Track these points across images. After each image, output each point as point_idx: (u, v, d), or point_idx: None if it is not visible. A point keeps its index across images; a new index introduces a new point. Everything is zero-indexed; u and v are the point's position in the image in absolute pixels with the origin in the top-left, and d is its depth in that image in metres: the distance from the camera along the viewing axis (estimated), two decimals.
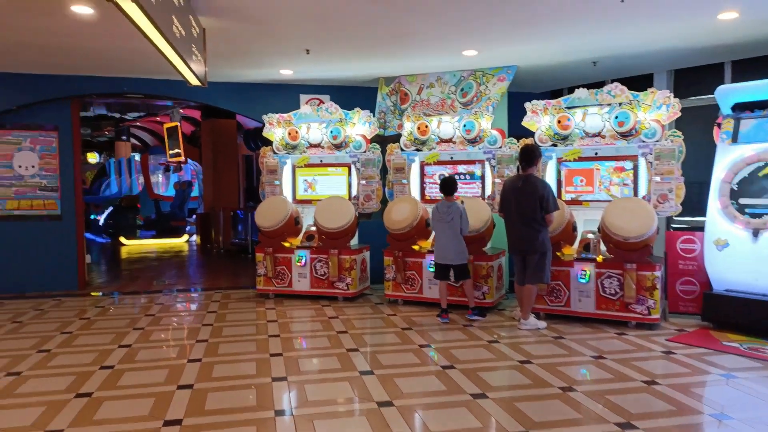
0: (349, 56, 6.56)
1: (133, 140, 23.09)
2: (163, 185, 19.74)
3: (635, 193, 5.74)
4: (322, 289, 6.88)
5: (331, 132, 7.23)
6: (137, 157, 19.50)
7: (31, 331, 5.50)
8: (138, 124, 19.93)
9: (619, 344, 4.88)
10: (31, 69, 7.05)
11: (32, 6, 4.52)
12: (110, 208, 15.07)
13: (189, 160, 15.26)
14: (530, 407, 3.48)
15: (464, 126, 6.64)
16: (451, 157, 6.81)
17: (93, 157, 22.99)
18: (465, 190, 6.65)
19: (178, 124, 14.64)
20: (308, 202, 7.44)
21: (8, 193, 7.44)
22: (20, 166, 7.48)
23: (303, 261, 6.92)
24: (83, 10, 4.61)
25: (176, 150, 15.10)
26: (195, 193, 16.49)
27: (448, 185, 5.83)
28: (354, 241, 7.12)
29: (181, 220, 15.14)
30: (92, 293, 7.52)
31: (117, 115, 18.24)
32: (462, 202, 5.82)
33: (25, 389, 3.91)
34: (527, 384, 3.90)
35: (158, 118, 18.71)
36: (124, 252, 12.63)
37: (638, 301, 5.35)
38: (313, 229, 7.16)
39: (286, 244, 7.02)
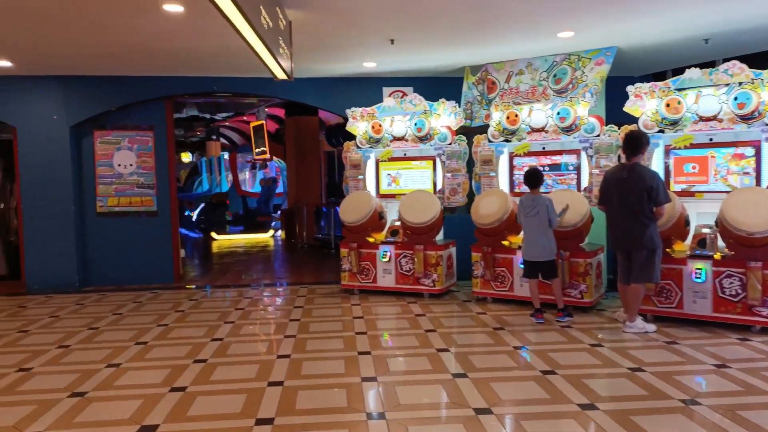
0: (434, 45, 6.32)
1: (222, 140, 24.10)
2: (249, 182, 20.44)
3: (758, 183, 5.10)
4: (407, 286, 6.72)
5: (416, 124, 7.03)
6: (226, 155, 20.29)
7: (129, 323, 5.72)
8: (227, 124, 20.72)
9: (743, 351, 4.35)
10: (129, 71, 7.37)
11: (127, 4, 4.64)
12: (202, 205, 15.71)
13: (274, 158, 15.62)
14: (649, 422, 3.11)
15: (558, 114, 6.22)
16: (543, 148, 6.41)
17: (186, 157, 24.14)
18: (557, 183, 6.24)
19: (264, 122, 15.02)
20: (392, 196, 7.29)
21: (109, 191, 7.84)
22: (119, 165, 7.86)
23: (388, 256, 6.78)
24: (174, 9, 4.69)
25: (262, 148, 15.50)
26: (280, 189, 16.87)
27: (533, 177, 5.48)
28: (439, 237, 6.89)
29: (267, 216, 15.54)
30: (186, 286, 7.78)
31: (208, 116, 19.03)
32: (567, 207, 5.52)
33: (123, 381, 4.01)
34: (642, 395, 3.52)
35: (245, 118, 19.35)
36: (215, 246, 13.10)
37: (764, 304, 4.75)
38: (398, 224, 7.01)
39: (371, 240, 6.91)
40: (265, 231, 15.26)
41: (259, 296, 7.02)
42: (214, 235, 14.59)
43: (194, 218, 16.20)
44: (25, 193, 7.53)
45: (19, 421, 3.30)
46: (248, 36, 3.61)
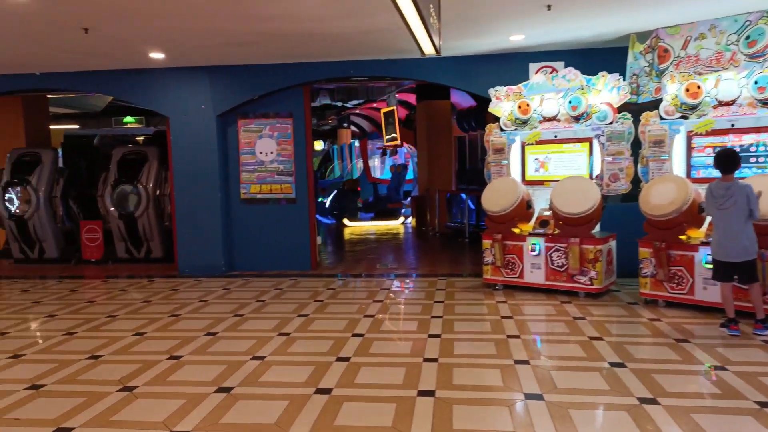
0: (596, 9, 5.51)
1: (352, 127, 24.49)
2: (379, 169, 20.50)
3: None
4: (559, 283, 6.03)
5: (570, 102, 6.25)
6: (357, 143, 20.52)
7: (272, 312, 5.69)
8: (357, 111, 20.93)
9: None
10: (270, 59, 7.39)
11: None
12: (335, 192, 15.94)
13: (404, 144, 15.37)
14: None
15: (755, 83, 5.14)
16: (732, 125, 5.35)
17: (318, 145, 24.84)
18: (753, 168, 5.17)
19: (395, 108, 14.79)
20: (539, 183, 6.60)
21: (252, 178, 7.99)
22: (261, 153, 7.97)
23: (537, 250, 6.13)
24: None
25: (392, 134, 15.32)
26: (410, 175, 16.63)
27: (728, 160, 4.52)
28: (595, 228, 6.10)
29: (397, 203, 15.38)
30: (323, 274, 7.73)
31: (339, 104, 19.31)
32: (759, 194, 4.47)
33: (268, 377, 3.86)
34: None
35: (375, 105, 19.38)
36: (347, 233, 13.17)
37: None
38: (547, 213, 6.31)
39: (516, 231, 6.30)
40: (395, 218, 15.11)
41: (396, 287, 6.72)
42: (346, 221, 14.71)
43: (327, 205, 16.52)
44: (177, 180, 7.90)
45: (168, 417, 3.23)
46: (405, 7, 3.22)
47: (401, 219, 15.10)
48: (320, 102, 18.67)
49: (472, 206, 11.34)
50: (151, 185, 8.62)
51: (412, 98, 17.03)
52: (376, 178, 17.07)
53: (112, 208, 8.57)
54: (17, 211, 8.72)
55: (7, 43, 6.15)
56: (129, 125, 19.54)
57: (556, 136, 6.48)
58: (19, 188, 8.68)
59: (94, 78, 7.83)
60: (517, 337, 4.58)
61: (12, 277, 8.00)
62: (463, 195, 11.78)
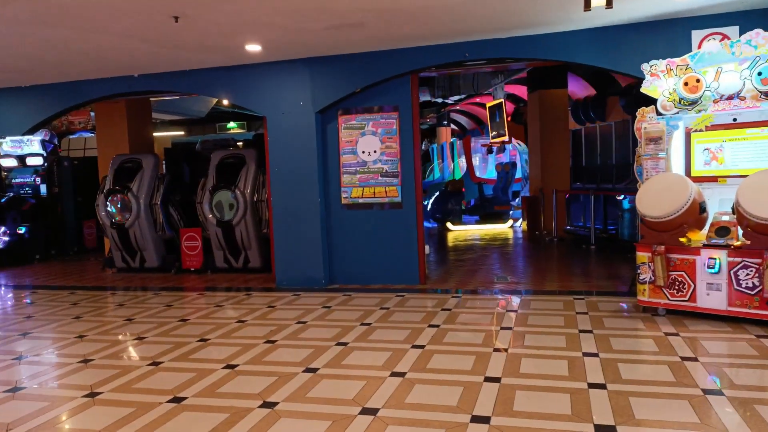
0: None
1: (452, 126, 23.39)
2: (481, 168, 19.22)
3: None
4: (749, 310, 4.62)
5: (759, 74, 4.82)
6: (457, 141, 19.41)
7: (380, 340, 4.78)
8: (458, 107, 19.82)
9: None
10: (374, 46, 6.54)
11: None
12: (436, 193, 14.94)
13: (513, 140, 14.05)
14: None
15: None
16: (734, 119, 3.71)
17: None
18: None
19: (502, 100, 13.52)
20: (711, 179, 5.20)
21: (353, 181, 7.18)
22: (363, 152, 7.14)
23: (716, 266, 4.75)
24: None
25: (499, 130, 14.06)
26: (518, 174, 15.27)
27: None
28: None
29: (505, 205, 14.09)
30: (433, 289, 6.75)
31: (440, 100, 18.27)
32: None
33: None
34: None
35: (478, 99, 18.18)
36: (451, 238, 12.11)
37: None
38: (727, 219, 4.91)
39: (684, 241, 4.96)
40: (503, 221, 13.84)
41: (525, 309, 5.59)
42: (449, 225, 13.65)
43: (428, 207, 15.57)
44: (274, 184, 7.26)
45: None
46: None
47: (509, 222, 13.81)
48: (420, 99, 17.73)
49: (600, 208, 9.89)
50: (248, 190, 8.09)
51: (520, 90, 15.68)
52: (480, 178, 15.86)
53: (210, 215, 8.14)
54: (118, 219, 8.54)
55: (98, 38, 5.76)
56: (232, 131, 19.77)
57: (735, 119, 5.05)
58: (120, 196, 8.50)
59: (190, 77, 7.39)
60: (719, 393, 3.32)
61: (112, 287, 7.75)
62: (587, 195, 10.33)
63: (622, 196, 9.13)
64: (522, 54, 6.36)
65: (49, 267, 9.80)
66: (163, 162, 10.41)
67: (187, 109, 13.79)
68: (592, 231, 9.64)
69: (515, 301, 5.97)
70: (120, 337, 5.21)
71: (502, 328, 4.93)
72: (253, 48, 6.34)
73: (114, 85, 7.70)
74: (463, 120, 23.00)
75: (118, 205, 8.54)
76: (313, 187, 7.10)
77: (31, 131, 8.14)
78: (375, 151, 7.10)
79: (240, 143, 14.48)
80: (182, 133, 18.87)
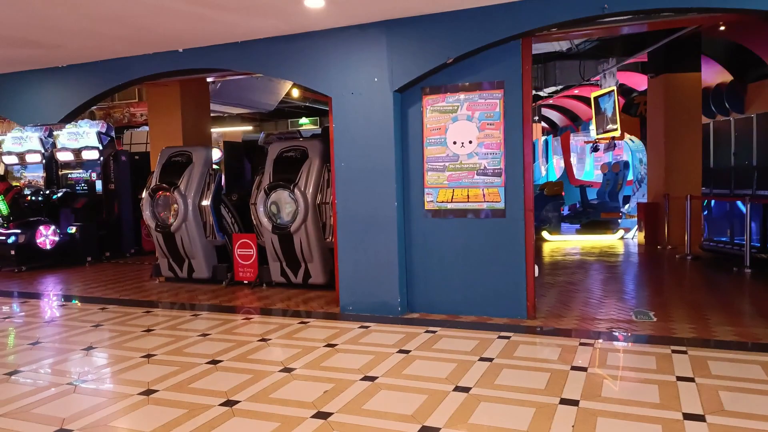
0: None
1: (542, 123, 21.23)
2: (578, 169, 16.99)
3: None
4: None
5: None
6: (551, 138, 17.29)
7: (487, 425, 3.10)
8: (550, 102, 17.72)
9: None
10: (470, 1, 4.87)
11: None
12: None
13: (626, 135, 11.85)
14: None
15: None
16: None
17: None
18: None
19: (614, 88, 11.38)
20: None
21: (441, 180, 5.53)
22: (455, 143, 5.47)
23: None
24: None
25: (608, 124, 11.90)
26: (629, 176, 13.01)
27: None
28: None
29: (614, 212, 11.91)
30: (548, 328, 4.98)
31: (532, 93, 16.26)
32: None
33: None
34: None
35: (576, 91, 16.03)
36: (548, 250, 10.16)
37: None
38: None
39: None
40: (612, 231, 11.68)
41: (704, 375, 3.70)
42: (545, 234, 11.66)
43: None
44: (340, 184, 5.75)
45: None
46: None
47: (619, 233, 11.62)
48: None
49: (757, 220, 7.68)
50: (310, 190, 6.63)
51: (631, 79, 13.42)
52: (582, 181, 13.74)
53: (264, 219, 6.76)
54: (164, 221, 7.36)
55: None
56: (304, 127, 18.69)
57: None
58: (165, 194, 7.30)
59: (241, 51, 6.02)
60: None
61: (149, 303, 6.52)
62: (736, 204, 8.11)
63: None
64: (695, 2, 4.43)
65: (97, 272, 8.84)
66: (221, 158, 9.26)
67: (255, 101, 12.67)
68: (747, 250, 7.43)
69: (679, 358, 4.09)
70: (120, 388, 3.83)
71: (686, 417, 3.10)
72: (314, 3, 4.83)
73: (157, 62, 6.48)
74: (554, 116, 20.77)
75: (164, 205, 7.36)
76: (388, 187, 5.52)
77: (69, 118, 7.10)
78: (471, 142, 5.41)
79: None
80: (251, 128, 17.98)
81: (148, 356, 4.45)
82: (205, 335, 5.02)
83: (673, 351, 4.21)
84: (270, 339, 4.83)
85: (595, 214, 11.97)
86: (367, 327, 5.15)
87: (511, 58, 5.20)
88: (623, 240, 11.46)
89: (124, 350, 4.66)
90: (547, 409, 3.24)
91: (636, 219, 11.40)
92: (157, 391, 3.70)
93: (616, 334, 4.76)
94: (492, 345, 4.48)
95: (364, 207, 5.63)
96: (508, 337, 4.68)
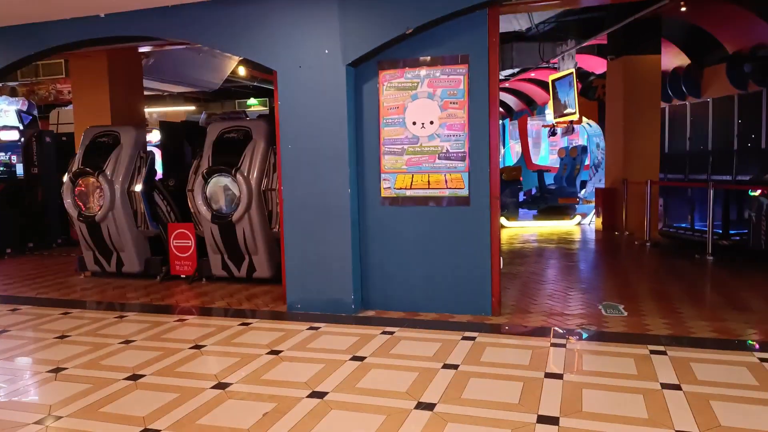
0: None
1: None
2: (534, 154, 16.83)
3: None
4: None
5: None
6: (508, 122, 17.03)
7: None
8: (506, 85, 17.44)
9: None
10: None
11: None
12: None
13: (584, 119, 11.63)
14: None
15: None
16: None
17: None
18: None
19: (573, 71, 11.12)
20: None
21: (399, 164, 5.01)
22: (415, 123, 4.95)
23: None
24: None
25: (567, 109, 11.67)
26: (586, 161, 12.87)
27: None
28: None
29: (571, 197, 11.74)
30: (515, 326, 4.57)
31: None
32: None
33: None
34: None
35: (532, 74, 15.80)
36: (507, 237, 9.85)
37: None
38: None
39: None
40: (569, 217, 11.51)
41: (690, 382, 3.36)
42: (503, 220, 11.35)
43: None
44: (286, 167, 5.14)
45: None
46: None
47: (577, 219, 11.46)
48: None
49: (718, 206, 7.54)
50: (254, 175, 6.00)
51: (588, 63, 13.23)
52: (539, 166, 13.54)
53: (203, 208, 6.08)
54: (87, 209, 6.56)
55: None
56: (252, 108, 17.77)
57: None
58: (89, 179, 6.50)
59: (172, 17, 5.29)
60: None
61: (68, 303, 5.76)
62: (698, 190, 7.97)
63: (759, 192, 6.76)
64: None
65: (16, 265, 7.93)
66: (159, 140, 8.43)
67: (197, 79, 11.76)
68: (709, 236, 7.27)
69: (659, 360, 3.73)
70: (13, 415, 3.16)
71: None
72: None
73: (77, 28, 5.65)
74: (510, 100, 20.57)
75: (87, 192, 6.55)
76: (341, 172, 4.96)
77: None
78: (432, 122, 4.90)
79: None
80: (194, 109, 16.94)
81: (57, 370, 3.77)
82: (128, 342, 4.36)
83: (652, 351, 3.86)
84: (205, 346, 4.23)
85: (552, 200, 11.77)
86: (317, 328, 4.61)
87: (477, 29, 4.70)
88: (580, 226, 11.30)
89: (31, 362, 3.97)
90: (524, 430, 2.80)
91: (593, 204, 11.26)
92: (60, 417, 3.06)
93: (587, 332, 4.39)
94: (456, 348, 4.03)
95: (313, 194, 5.05)
96: (473, 338, 4.24)
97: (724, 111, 10.13)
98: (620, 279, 6.36)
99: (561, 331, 4.42)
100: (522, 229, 11.01)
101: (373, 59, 4.98)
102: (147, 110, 15.35)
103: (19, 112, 9.07)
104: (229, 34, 5.17)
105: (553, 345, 4.07)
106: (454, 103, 4.85)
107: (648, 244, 8.50)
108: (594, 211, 11.07)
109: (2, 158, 9.32)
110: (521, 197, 12.10)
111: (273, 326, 4.72)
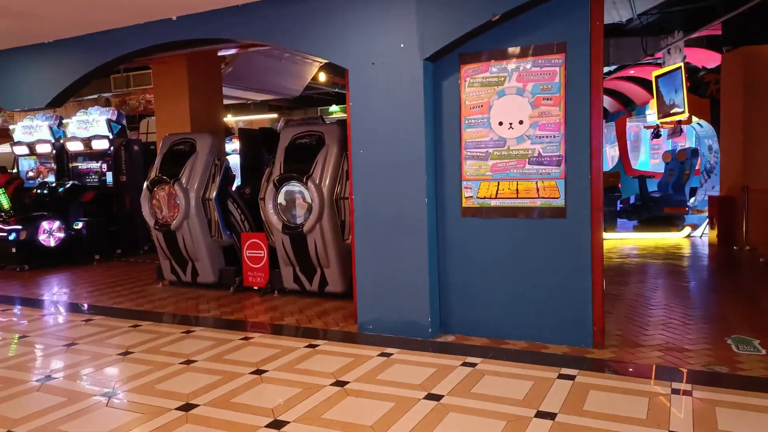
0: None
1: None
2: (633, 158, 15.47)
3: None
4: None
5: None
6: (604, 124, 15.83)
7: None
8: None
9: None
10: None
11: None
12: None
13: (693, 118, 10.36)
14: None
15: None
16: None
17: None
18: None
19: (681, 65, 9.94)
20: None
21: (483, 171, 4.42)
22: (501, 124, 4.34)
23: None
24: None
25: (672, 106, 10.47)
26: (696, 165, 11.52)
27: None
28: None
29: (680, 206, 10.50)
30: (622, 363, 3.83)
31: None
32: None
33: None
34: None
35: (631, 72, 14.52)
36: (604, 250, 8.90)
37: None
38: None
39: None
40: (677, 229, 10.29)
41: None
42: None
43: None
44: (358, 175, 4.70)
45: None
46: None
47: (686, 231, 10.23)
48: None
49: None
50: (326, 183, 5.62)
51: (697, 56, 11.86)
52: (641, 171, 12.33)
53: (275, 218, 5.79)
54: (163, 218, 6.48)
55: None
56: (334, 115, 17.70)
57: None
58: (165, 187, 6.42)
59: (242, 15, 5.02)
60: None
61: (141, 313, 5.65)
62: None
63: None
64: None
65: (103, 272, 8.08)
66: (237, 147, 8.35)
67: (278, 86, 11.72)
68: None
69: None
70: None
71: None
72: None
73: (150, 33, 5.55)
74: (605, 101, 19.16)
75: (164, 200, 6.48)
76: (417, 179, 4.45)
77: (58, 100, 6.27)
78: (521, 122, 4.28)
79: None
80: (276, 116, 17.08)
81: (109, 394, 3.53)
82: (189, 362, 4.08)
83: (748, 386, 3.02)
84: (266, 371, 3.85)
85: (656, 209, 10.59)
86: (389, 355, 4.11)
87: (577, 12, 4.03)
88: (690, 239, 10.07)
89: (87, 384, 3.76)
90: None
91: (706, 215, 9.99)
92: None
93: (717, 374, 3.58)
94: (552, 389, 3.37)
95: (387, 204, 4.57)
96: (572, 377, 3.56)
97: None
98: (749, 305, 5.36)
99: (681, 371, 3.63)
100: (621, 242, 9.97)
101: (454, 52, 4.43)
102: (233, 119, 15.64)
103: (108, 122, 9.35)
104: (298, 30, 4.81)
105: (675, 392, 3.31)
106: (547, 99, 4.20)
107: None
108: (707, 222, 9.82)
109: (93, 167, 9.65)
110: (619, 206, 11.02)
111: (341, 350, 4.28)
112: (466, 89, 4.45)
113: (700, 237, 9.99)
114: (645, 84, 14.36)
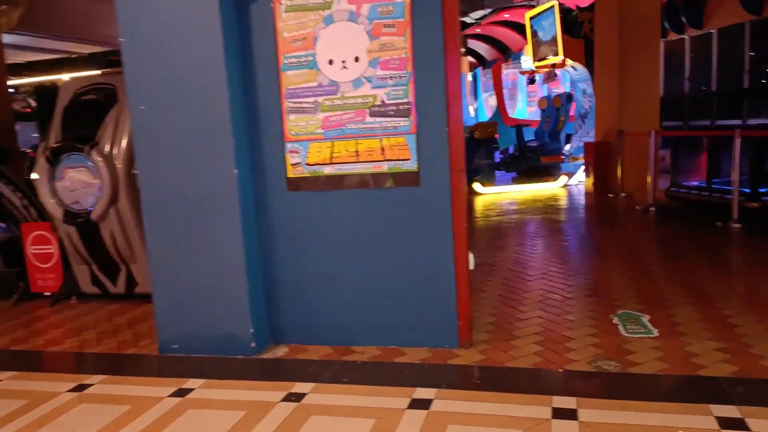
0: None
1: (469, 57, 19.13)
2: (510, 106, 15.12)
3: None
4: None
5: None
6: (479, 73, 15.22)
7: None
8: (477, 31, 15.56)
9: None
10: None
11: None
12: None
13: (567, 62, 9.88)
14: None
15: None
16: None
17: None
18: None
19: (555, 4, 9.35)
20: None
21: (312, 127, 3.28)
22: (331, 62, 3.20)
23: None
24: None
25: (547, 50, 9.94)
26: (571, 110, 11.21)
27: None
28: None
29: (556, 155, 10.13)
30: (493, 369, 2.98)
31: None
32: None
33: None
34: None
35: (506, 15, 13.95)
36: (481, 207, 8.29)
37: None
38: None
39: None
40: (553, 178, 9.95)
41: None
42: (477, 186, 9.74)
43: None
44: (143, 141, 3.38)
45: None
46: None
47: (562, 180, 9.91)
48: None
49: (744, 160, 6.02)
50: (121, 152, 4.22)
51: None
52: (518, 120, 11.87)
53: (52, 203, 4.31)
54: None
55: None
56: None
57: None
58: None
59: None
60: None
61: None
62: (719, 139, 6.40)
63: None
64: None
65: None
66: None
67: (103, 34, 9.71)
68: (735, 198, 5.74)
69: None
70: None
71: None
72: None
73: None
74: (481, 47, 18.70)
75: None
76: (221, 143, 3.22)
77: None
78: (357, 59, 3.16)
79: None
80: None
81: None
82: None
83: (723, 425, 2.29)
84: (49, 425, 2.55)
85: (534, 159, 10.15)
86: (187, 392, 2.95)
87: None
88: (567, 188, 9.76)
89: None
90: None
91: (581, 162, 9.69)
92: None
93: (608, 377, 2.82)
94: (403, 419, 2.41)
95: (186, 180, 3.32)
96: (427, 403, 2.63)
97: (732, 43, 8.55)
98: (631, 263, 4.79)
99: (566, 377, 2.84)
100: (499, 196, 9.45)
101: None
102: (59, 77, 13.22)
103: None
104: None
105: (557, 414, 2.47)
106: (389, 27, 3.11)
107: (652, 208, 6.98)
108: (583, 169, 9.51)
109: None
110: (497, 158, 10.48)
111: (117, 390, 3.04)
112: (282, 14, 3.24)
113: (576, 185, 9.71)
114: (520, 29, 13.85)
